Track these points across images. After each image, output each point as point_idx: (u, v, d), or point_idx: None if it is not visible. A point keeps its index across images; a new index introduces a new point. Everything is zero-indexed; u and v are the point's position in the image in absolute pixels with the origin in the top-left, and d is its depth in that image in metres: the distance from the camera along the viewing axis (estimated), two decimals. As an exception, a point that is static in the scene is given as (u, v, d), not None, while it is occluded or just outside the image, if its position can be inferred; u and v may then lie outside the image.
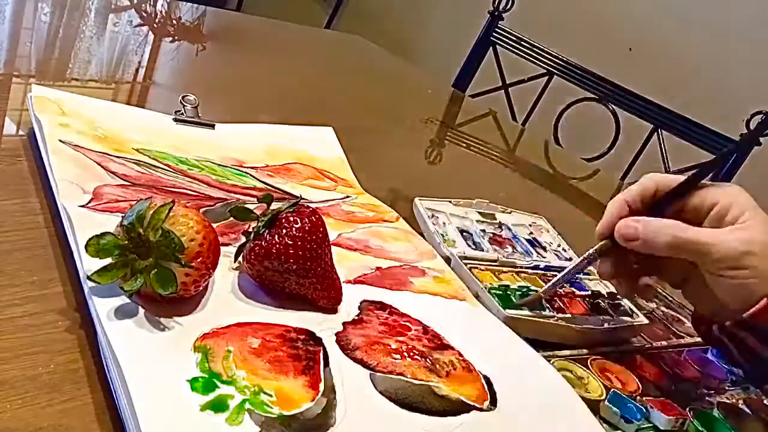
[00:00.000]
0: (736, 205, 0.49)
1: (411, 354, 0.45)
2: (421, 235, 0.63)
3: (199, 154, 0.63)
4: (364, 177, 0.70)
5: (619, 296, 0.61)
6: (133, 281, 0.40)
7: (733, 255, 0.47)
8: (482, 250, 0.63)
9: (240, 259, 0.47)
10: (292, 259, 0.45)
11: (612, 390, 0.49)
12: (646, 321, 0.59)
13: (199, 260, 0.41)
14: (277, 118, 0.76)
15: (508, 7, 1.42)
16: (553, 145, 1.25)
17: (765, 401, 0.56)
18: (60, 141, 0.55)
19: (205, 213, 0.53)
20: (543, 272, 0.62)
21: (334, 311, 0.47)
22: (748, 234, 0.48)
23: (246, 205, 0.49)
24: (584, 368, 0.51)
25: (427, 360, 0.45)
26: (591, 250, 0.54)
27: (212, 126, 0.69)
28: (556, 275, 0.56)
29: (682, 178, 0.53)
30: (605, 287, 0.62)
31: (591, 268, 0.65)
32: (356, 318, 0.47)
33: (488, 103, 1.34)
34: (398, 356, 0.44)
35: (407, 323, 0.48)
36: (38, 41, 0.85)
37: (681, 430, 0.48)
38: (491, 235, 0.66)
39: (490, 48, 1.45)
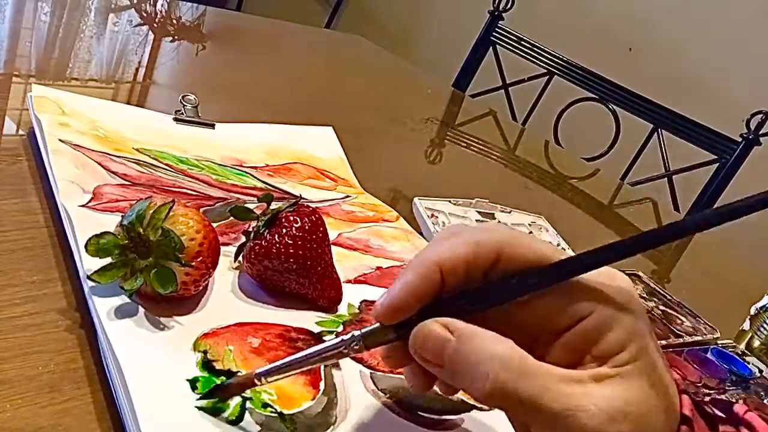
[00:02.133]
0: (617, 325, 0.29)
1: (411, 353, 0.45)
2: (421, 234, 0.63)
3: (200, 153, 0.63)
4: (364, 177, 0.70)
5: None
6: (133, 281, 0.40)
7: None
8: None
9: (240, 258, 0.47)
10: (292, 259, 0.45)
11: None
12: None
13: (199, 260, 0.41)
14: (277, 118, 0.76)
15: (508, 6, 1.42)
16: (553, 145, 1.25)
17: (765, 401, 0.56)
18: (60, 140, 0.55)
19: (205, 212, 0.53)
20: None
21: (334, 311, 0.47)
22: (623, 395, 0.28)
23: (246, 205, 0.49)
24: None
25: (427, 359, 0.45)
26: (358, 332, 0.32)
27: (212, 126, 0.69)
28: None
29: (540, 245, 0.31)
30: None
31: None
32: (356, 318, 0.47)
33: (488, 103, 1.34)
34: (398, 356, 0.44)
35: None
36: (38, 41, 0.85)
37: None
38: (491, 234, 0.66)
39: (490, 48, 1.45)
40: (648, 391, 0.29)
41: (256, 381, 0.34)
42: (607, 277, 0.30)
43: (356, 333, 0.32)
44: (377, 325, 0.32)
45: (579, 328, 0.29)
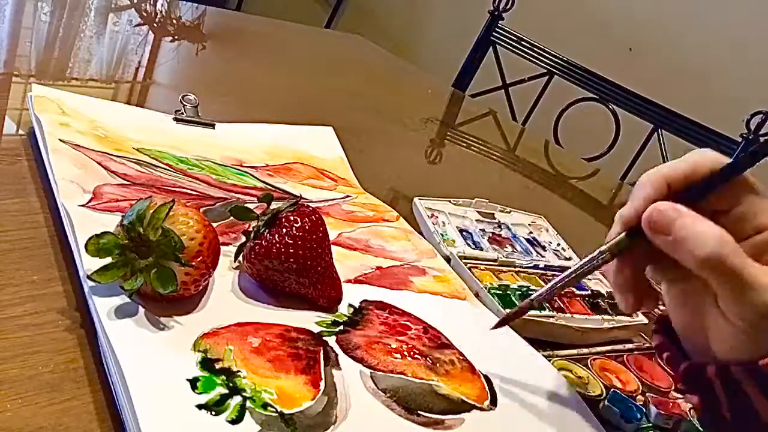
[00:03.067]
0: None
1: (411, 353, 0.45)
2: (421, 234, 0.63)
3: (200, 153, 0.63)
4: (364, 177, 0.70)
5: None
6: (134, 280, 0.40)
7: (764, 313, 0.36)
8: (482, 249, 0.63)
9: (240, 258, 0.47)
10: (292, 259, 0.45)
11: (612, 390, 0.49)
12: (645, 321, 0.59)
13: (199, 259, 0.41)
14: (277, 118, 0.76)
15: (508, 6, 1.42)
16: (553, 145, 1.25)
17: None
18: (60, 140, 0.55)
19: (205, 212, 0.53)
20: (543, 272, 0.62)
21: (334, 310, 0.47)
22: None
23: (246, 205, 0.49)
24: (584, 368, 0.51)
25: (428, 359, 0.45)
26: (604, 247, 0.42)
27: (212, 126, 0.69)
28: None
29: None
30: (605, 287, 0.62)
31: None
32: (356, 317, 0.47)
33: (488, 103, 1.34)
34: (399, 355, 0.44)
35: (407, 322, 0.48)
36: (38, 41, 0.85)
37: (679, 429, 0.48)
38: (491, 234, 0.66)
39: (490, 48, 1.45)
40: None
41: (534, 304, 0.44)
42: None
43: (602, 247, 0.41)
44: (616, 238, 0.41)
45: (759, 237, 0.39)
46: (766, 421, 0.37)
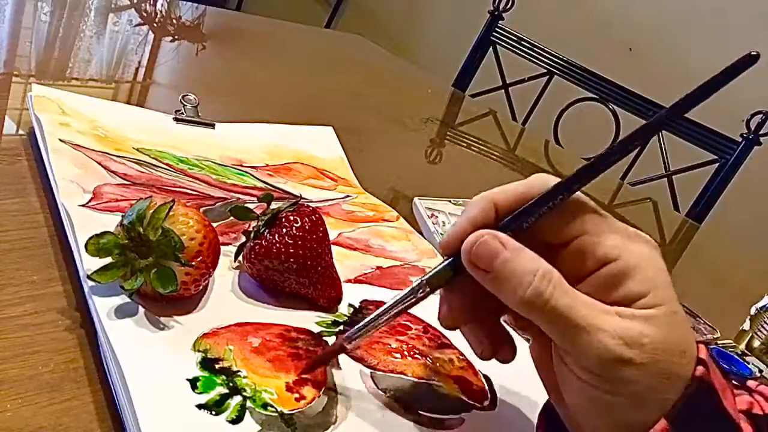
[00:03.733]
0: (642, 275, 0.32)
1: (411, 353, 0.45)
2: (421, 234, 0.63)
3: (200, 153, 0.63)
4: (364, 177, 0.70)
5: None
6: (134, 280, 0.40)
7: (604, 357, 0.30)
8: (482, 249, 0.63)
9: (240, 258, 0.47)
10: (292, 259, 0.45)
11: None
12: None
13: (199, 259, 0.41)
14: (277, 118, 0.76)
15: (508, 6, 1.42)
16: (553, 145, 1.25)
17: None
18: (60, 140, 0.55)
19: (205, 212, 0.53)
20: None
21: (334, 310, 0.47)
22: (642, 329, 0.30)
23: (246, 205, 0.49)
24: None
25: (428, 359, 0.45)
26: (424, 277, 0.36)
27: (212, 125, 0.69)
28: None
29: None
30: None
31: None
32: (356, 317, 0.47)
33: (488, 103, 1.34)
34: (399, 355, 0.44)
35: (407, 322, 0.48)
36: (38, 41, 0.85)
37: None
38: (491, 234, 0.66)
39: (490, 48, 1.45)
40: (667, 332, 0.31)
41: (346, 346, 0.38)
42: (635, 234, 0.33)
43: (421, 278, 0.36)
44: (437, 268, 0.35)
45: (603, 271, 0.32)
46: None
